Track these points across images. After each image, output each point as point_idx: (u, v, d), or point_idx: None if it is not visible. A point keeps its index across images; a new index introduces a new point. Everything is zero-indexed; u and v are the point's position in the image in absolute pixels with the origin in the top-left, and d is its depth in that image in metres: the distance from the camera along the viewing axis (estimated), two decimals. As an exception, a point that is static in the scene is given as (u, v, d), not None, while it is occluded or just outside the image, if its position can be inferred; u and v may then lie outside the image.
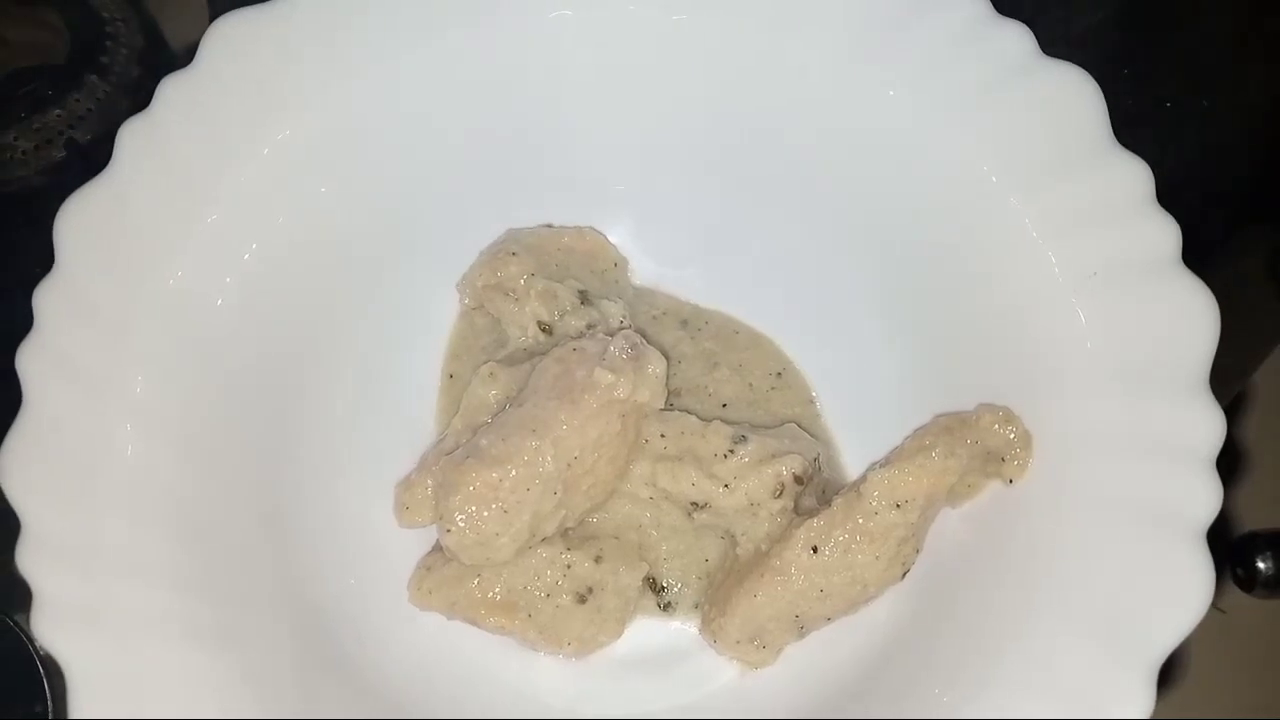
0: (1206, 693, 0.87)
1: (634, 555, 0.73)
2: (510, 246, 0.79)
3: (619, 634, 0.73)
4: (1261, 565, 0.83)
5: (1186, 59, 0.88)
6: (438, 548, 0.74)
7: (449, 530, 0.69)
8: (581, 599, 0.72)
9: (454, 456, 0.70)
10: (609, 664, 0.74)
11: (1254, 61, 0.88)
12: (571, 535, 0.73)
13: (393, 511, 0.75)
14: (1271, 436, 0.94)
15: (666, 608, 0.74)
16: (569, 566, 0.71)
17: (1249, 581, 0.84)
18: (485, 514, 0.69)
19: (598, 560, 0.72)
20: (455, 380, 0.79)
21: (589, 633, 0.72)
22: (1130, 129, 0.69)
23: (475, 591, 0.71)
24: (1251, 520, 0.87)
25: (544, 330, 0.77)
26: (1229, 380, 0.75)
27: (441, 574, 0.72)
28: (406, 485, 0.74)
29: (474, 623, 0.71)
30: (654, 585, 0.74)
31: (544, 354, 0.74)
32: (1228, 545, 0.85)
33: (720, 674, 0.73)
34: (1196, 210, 0.68)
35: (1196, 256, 0.66)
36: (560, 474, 0.69)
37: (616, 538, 0.74)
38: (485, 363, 0.76)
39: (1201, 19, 0.89)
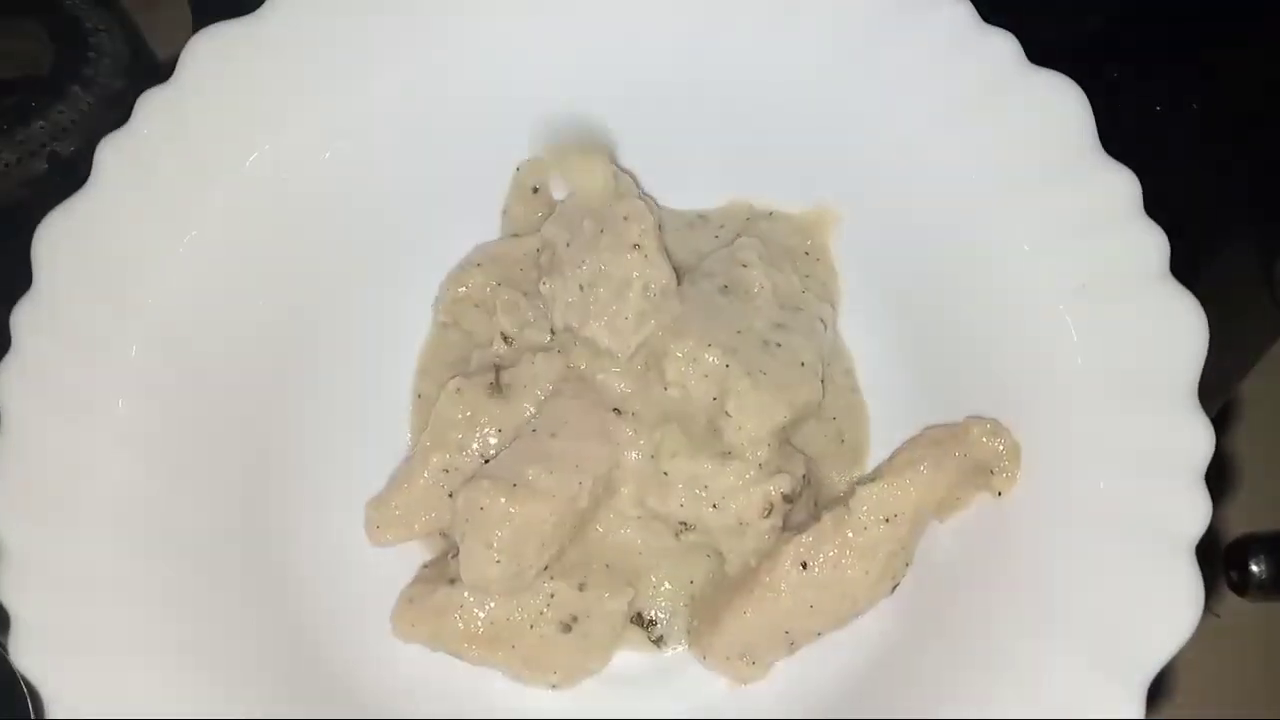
0: (1201, 695, 0.87)
1: (619, 580, 0.72)
2: (475, 258, 0.79)
3: (606, 661, 0.72)
4: (1255, 568, 0.83)
5: (1174, 62, 0.87)
6: (420, 578, 0.73)
7: (494, 562, 0.68)
8: (566, 628, 0.71)
9: (483, 486, 0.68)
10: (598, 678, 0.73)
11: (1243, 64, 0.87)
12: (554, 563, 0.72)
13: (364, 529, 0.74)
14: (1262, 442, 0.94)
15: (658, 641, 0.73)
16: (553, 595, 0.70)
17: (1243, 585, 0.83)
18: (527, 548, 0.68)
19: (581, 588, 0.71)
20: (424, 400, 0.79)
21: (575, 661, 0.71)
22: (1118, 133, 0.68)
23: (458, 623, 0.70)
24: (1241, 527, 0.87)
25: (506, 341, 0.77)
26: (1219, 385, 0.75)
27: (424, 606, 0.71)
28: (377, 503, 0.74)
29: (458, 655, 0.71)
30: (642, 621, 0.73)
31: (507, 366, 0.74)
32: (1222, 549, 0.85)
33: (709, 688, 0.72)
34: (1185, 215, 0.67)
35: (1186, 261, 0.66)
36: (590, 511, 0.70)
37: (603, 562, 0.73)
38: (452, 378, 0.75)
39: (1189, 22, 0.89)
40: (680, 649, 0.73)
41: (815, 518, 0.70)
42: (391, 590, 0.73)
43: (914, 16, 0.71)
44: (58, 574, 0.63)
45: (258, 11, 0.72)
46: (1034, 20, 0.73)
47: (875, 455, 0.75)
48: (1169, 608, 0.60)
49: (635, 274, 0.72)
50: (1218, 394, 0.67)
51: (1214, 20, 0.88)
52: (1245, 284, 0.88)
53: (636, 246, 0.72)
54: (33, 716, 0.70)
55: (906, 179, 0.73)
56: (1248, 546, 0.84)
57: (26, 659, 0.61)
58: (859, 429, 0.77)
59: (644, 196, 0.77)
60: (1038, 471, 0.67)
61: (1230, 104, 0.86)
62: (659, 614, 0.74)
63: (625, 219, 0.72)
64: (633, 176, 0.77)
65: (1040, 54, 0.70)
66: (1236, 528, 0.86)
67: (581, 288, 0.73)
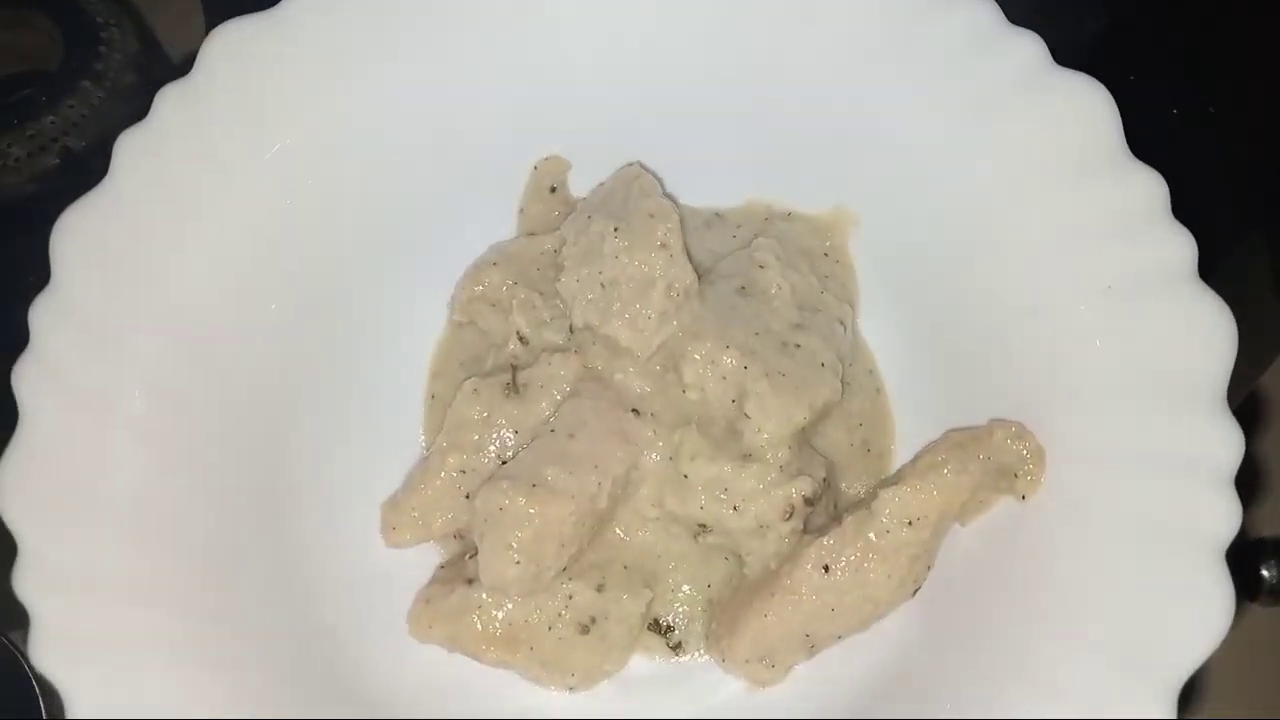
0: (1208, 701, 0.87)
1: (638, 581, 0.72)
2: (491, 256, 0.78)
3: (624, 662, 0.72)
4: (1266, 573, 0.82)
5: (1192, 63, 0.87)
6: (437, 579, 0.73)
7: (514, 563, 0.67)
8: (584, 629, 0.70)
9: (503, 486, 0.68)
10: (616, 680, 0.72)
11: (1259, 66, 0.87)
12: (572, 564, 0.71)
13: (379, 531, 0.74)
14: (1277, 444, 0.94)
15: (677, 648, 0.73)
16: (571, 597, 0.70)
17: (1253, 590, 0.83)
18: (546, 549, 0.68)
19: (599, 589, 0.70)
20: (437, 401, 0.78)
21: (593, 663, 0.71)
22: (1135, 135, 0.68)
23: (475, 624, 0.69)
24: (1258, 528, 0.86)
25: (522, 341, 0.76)
26: (1235, 384, 0.75)
27: (440, 607, 0.70)
28: (393, 504, 0.74)
29: (475, 657, 0.70)
30: (659, 627, 0.73)
31: (523, 367, 0.74)
32: (1231, 553, 0.85)
33: (727, 690, 0.72)
34: (1201, 215, 0.67)
35: (1203, 261, 0.66)
36: (608, 511, 0.70)
37: (621, 563, 0.72)
38: (467, 379, 0.75)
39: (1205, 23, 0.89)
40: (699, 656, 0.73)
41: (836, 520, 0.70)
42: (408, 591, 0.72)
43: (937, 16, 0.71)
44: (75, 573, 0.63)
45: (275, 7, 0.72)
46: (1051, 23, 0.73)
47: (898, 457, 0.75)
48: (1199, 613, 0.59)
49: (659, 273, 0.71)
50: (1232, 395, 0.67)
51: (1230, 22, 0.88)
52: (1260, 284, 0.87)
53: (663, 246, 0.71)
54: (45, 716, 0.69)
55: (929, 180, 0.73)
56: (1257, 551, 0.83)
57: (45, 659, 0.61)
58: (885, 437, 0.76)
59: (667, 195, 0.76)
60: (1062, 475, 0.67)
61: (1247, 106, 0.86)
62: (677, 620, 0.73)
63: (651, 217, 0.72)
64: (657, 177, 0.77)
65: (1056, 56, 0.70)
66: (1249, 529, 0.86)
67: (603, 286, 0.72)
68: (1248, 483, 0.80)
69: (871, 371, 0.78)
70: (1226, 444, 0.62)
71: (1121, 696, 0.59)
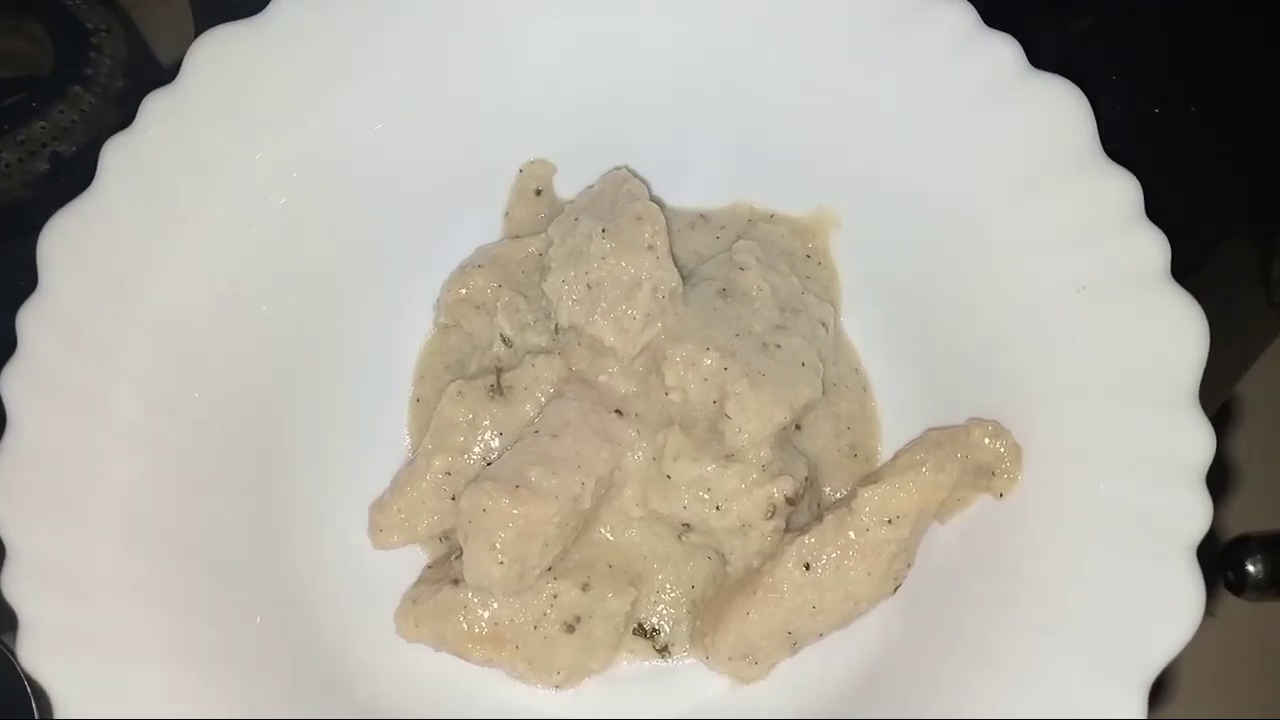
0: (1195, 695, 0.87)
1: (622, 580, 0.73)
2: (476, 259, 0.79)
3: (609, 661, 0.73)
4: (1251, 569, 0.83)
5: (1173, 64, 0.87)
6: (423, 579, 0.74)
7: (498, 563, 0.68)
8: (570, 628, 0.71)
9: (486, 487, 0.68)
10: (601, 678, 0.73)
11: (1240, 65, 0.87)
12: (557, 564, 0.72)
13: (366, 533, 0.75)
14: (1259, 443, 0.94)
15: (663, 651, 0.74)
16: (556, 596, 0.71)
17: (1239, 585, 0.84)
18: (530, 549, 0.68)
19: (584, 588, 0.71)
20: (422, 404, 0.79)
21: (578, 661, 0.72)
22: (1116, 135, 0.69)
23: (462, 624, 0.70)
24: (1237, 527, 0.87)
25: (506, 343, 0.77)
26: (1216, 386, 0.76)
27: (427, 606, 0.71)
28: (380, 507, 0.74)
29: (462, 655, 0.71)
30: (644, 631, 0.74)
31: (508, 369, 0.75)
32: (1218, 549, 0.85)
33: (711, 688, 0.73)
34: (1183, 216, 0.68)
35: (1185, 262, 0.66)
36: (592, 512, 0.70)
37: (606, 562, 0.73)
38: (452, 381, 0.75)
39: (1186, 23, 0.89)
40: (686, 659, 0.74)
41: (817, 519, 0.70)
42: (395, 591, 0.73)
43: (916, 20, 0.71)
44: (64, 575, 0.64)
45: (261, 14, 0.72)
46: (1033, 23, 0.73)
47: (883, 460, 0.75)
48: (1170, 609, 0.60)
49: (646, 275, 0.72)
50: (1215, 394, 0.67)
51: (1211, 21, 0.88)
52: (1242, 284, 0.88)
53: (649, 248, 0.72)
54: (37, 717, 0.70)
55: (908, 182, 0.74)
56: (1243, 546, 0.84)
57: (35, 660, 0.61)
58: (872, 440, 0.77)
59: (654, 198, 0.77)
60: (1039, 473, 0.67)
61: (1228, 105, 0.86)
62: (662, 623, 0.74)
63: (638, 219, 0.72)
64: (644, 182, 0.77)
65: (1038, 56, 0.70)
66: (1233, 528, 0.86)
67: (589, 286, 0.72)
68: (1223, 481, 0.81)
69: (857, 370, 0.78)
70: (1198, 442, 0.62)
71: (1093, 691, 0.60)
